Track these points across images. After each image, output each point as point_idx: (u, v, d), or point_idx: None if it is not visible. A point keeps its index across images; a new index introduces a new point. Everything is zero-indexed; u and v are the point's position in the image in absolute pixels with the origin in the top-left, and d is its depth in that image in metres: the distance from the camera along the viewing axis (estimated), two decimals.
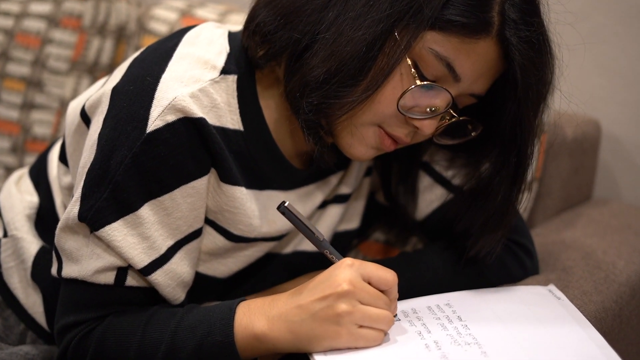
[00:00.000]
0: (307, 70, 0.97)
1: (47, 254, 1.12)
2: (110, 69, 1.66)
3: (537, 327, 1.00)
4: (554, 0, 1.39)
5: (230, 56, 1.04)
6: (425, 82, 0.97)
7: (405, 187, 1.19)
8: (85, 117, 1.07)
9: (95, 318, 1.01)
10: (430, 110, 0.99)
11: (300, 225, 0.96)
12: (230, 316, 0.96)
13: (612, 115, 1.56)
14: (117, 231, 0.98)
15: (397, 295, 0.95)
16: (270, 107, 1.07)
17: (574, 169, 1.44)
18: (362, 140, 1.02)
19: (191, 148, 0.99)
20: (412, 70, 0.97)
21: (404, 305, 1.04)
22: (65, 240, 1.01)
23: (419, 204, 1.20)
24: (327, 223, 1.20)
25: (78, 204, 0.99)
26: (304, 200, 1.14)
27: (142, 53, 1.05)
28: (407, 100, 0.98)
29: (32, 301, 1.16)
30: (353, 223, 1.24)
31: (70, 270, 1.01)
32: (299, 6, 0.98)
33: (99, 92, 1.05)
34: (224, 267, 1.12)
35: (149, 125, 0.96)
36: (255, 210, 1.07)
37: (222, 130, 1.02)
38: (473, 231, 1.08)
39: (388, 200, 1.23)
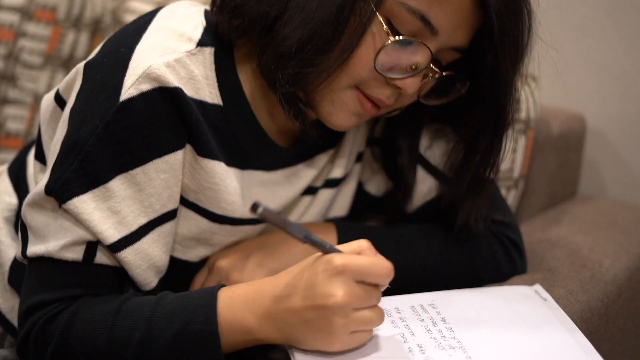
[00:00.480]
0: (279, 41, 0.95)
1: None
2: None
3: (523, 330, 0.98)
4: None
5: (206, 30, 1.02)
6: (399, 38, 0.95)
7: (403, 180, 1.17)
8: (60, 100, 1.04)
9: (63, 299, 0.96)
10: (411, 68, 0.97)
11: (280, 224, 0.89)
12: (212, 302, 0.92)
13: (597, 110, 1.55)
14: (85, 204, 0.94)
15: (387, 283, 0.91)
16: (249, 82, 1.05)
17: (560, 164, 1.44)
18: (342, 107, 1.00)
19: (166, 119, 0.96)
20: (385, 27, 0.94)
21: (387, 303, 1.01)
22: (32, 216, 0.98)
23: (413, 196, 1.18)
24: (318, 208, 1.17)
25: (47, 177, 0.96)
26: (291, 181, 1.12)
27: (115, 32, 1.03)
28: (385, 59, 0.96)
29: (10, 306, 1.12)
30: (342, 210, 1.22)
31: (36, 248, 0.97)
32: None
33: (72, 72, 1.03)
34: (213, 248, 1.08)
35: (122, 94, 0.94)
36: (237, 188, 1.04)
37: (201, 104, 1.00)
38: (458, 199, 1.07)
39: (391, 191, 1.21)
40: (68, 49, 1.65)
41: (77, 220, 0.95)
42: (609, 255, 1.24)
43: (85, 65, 0.99)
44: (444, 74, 1.00)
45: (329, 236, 1.10)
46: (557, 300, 1.05)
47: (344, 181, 1.19)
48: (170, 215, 1.01)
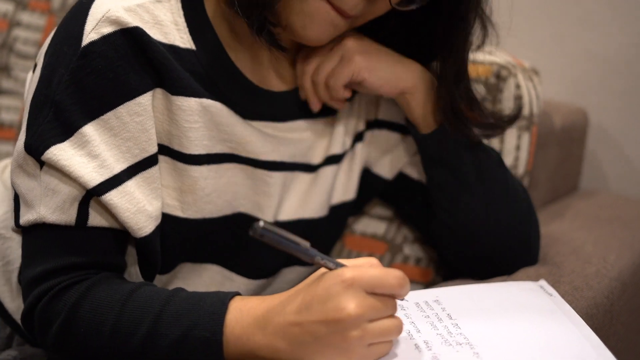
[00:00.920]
0: None
1: None
2: None
3: (529, 325, 0.97)
4: None
5: None
6: None
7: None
8: (35, 67, 1.04)
9: (64, 267, 0.95)
10: None
11: (283, 244, 0.84)
12: (221, 311, 0.89)
13: (599, 104, 1.55)
14: (62, 151, 0.94)
15: (409, 288, 0.88)
16: (222, 27, 1.04)
17: (562, 159, 1.43)
18: (314, 17, 0.99)
19: (132, 60, 0.96)
20: None
21: None
22: (18, 182, 0.98)
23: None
24: (322, 189, 1.16)
25: (24, 134, 0.96)
26: (284, 139, 1.10)
27: None
28: None
29: (17, 305, 1.10)
30: (349, 194, 1.20)
31: (28, 215, 0.96)
32: None
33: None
34: (210, 206, 1.06)
35: (83, 40, 0.94)
36: (224, 124, 1.03)
37: (172, 48, 0.99)
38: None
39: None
40: None
41: (58, 169, 0.94)
42: (613, 250, 1.23)
43: (55, 29, 1.01)
44: None
45: None
46: (562, 297, 1.04)
47: (344, 159, 1.18)
48: (152, 160, 1.00)
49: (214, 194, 1.05)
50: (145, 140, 0.98)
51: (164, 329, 0.89)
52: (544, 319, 0.98)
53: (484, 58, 1.26)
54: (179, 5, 1.01)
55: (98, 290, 0.93)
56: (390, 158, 1.22)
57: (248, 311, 0.88)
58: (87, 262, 0.96)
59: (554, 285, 1.08)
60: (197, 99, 1.00)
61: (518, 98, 1.26)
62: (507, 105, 1.24)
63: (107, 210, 0.96)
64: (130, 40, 0.95)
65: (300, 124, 1.12)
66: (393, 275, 0.85)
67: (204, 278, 1.10)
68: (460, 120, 1.08)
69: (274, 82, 1.10)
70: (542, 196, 1.40)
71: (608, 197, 1.49)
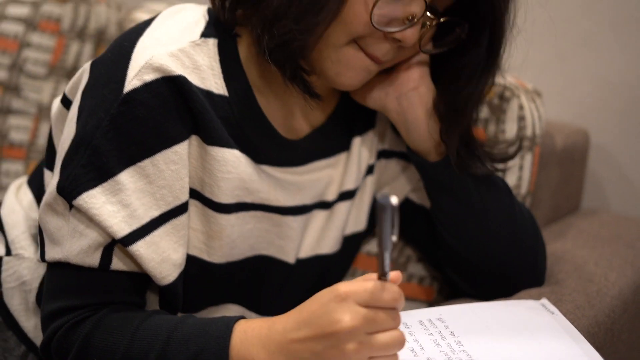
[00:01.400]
0: (264, 5, 0.96)
1: None
2: None
3: (532, 343, 0.98)
4: (545, 6, 1.38)
5: (209, 24, 1.03)
6: None
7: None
8: (66, 101, 1.05)
9: (82, 306, 0.97)
10: (408, 19, 0.97)
11: (385, 224, 0.79)
12: (226, 335, 0.91)
13: (600, 124, 1.55)
14: (95, 198, 0.94)
15: (404, 302, 0.87)
16: (254, 72, 1.05)
17: (563, 178, 1.44)
18: (347, 64, 1.00)
19: (172, 108, 0.96)
20: None
21: None
22: (47, 220, 0.98)
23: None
24: (337, 223, 1.17)
25: (58, 176, 0.96)
26: (300, 182, 1.12)
27: (122, 32, 1.05)
28: (380, 14, 0.96)
29: (33, 324, 1.12)
30: (360, 225, 1.22)
31: (53, 252, 0.97)
32: None
33: (78, 72, 1.04)
34: (234, 250, 1.07)
35: (125, 86, 0.94)
36: (253, 174, 1.04)
37: (208, 94, 1.00)
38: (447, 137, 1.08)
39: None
40: (72, 59, 1.65)
41: (88, 217, 0.95)
42: (615, 269, 1.24)
43: (92, 64, 1.00)
44: (441, 20, 1.01)
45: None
46: (564, 315, 1.05)
47: (357, 194, 1.19)
48: (183, 208, 1.00)
49: (238, 239, 1.07)
50: (179, 189, 0.99)
51: (172, 355, 0.91)
52: (546, 337, 0.99)
53: None
54: (216, 49, 1.02)
55: (110, 320, 0.95)
56: (396, 185, 1.23)
57: (252, 332, 0.90)
58: (105, 301, 0.98)
59: (555, 303, 1.09)
60: (230, 150, 1.01)
61: (521, 119, 1.27)
62: (510, 126, 1.25)
63: (131, 257, 0.97)
64: (172, 88, 0.95)
65: (318, 164, 1.14)
66: (386, 289, 0.85)
67: None
68: (466, 155, 1.10)
69: (300, 126, 1.11)
70: (544, 215, 1.40)
71: (609, 217, 1.49)
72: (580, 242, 1.33)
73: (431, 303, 1.27)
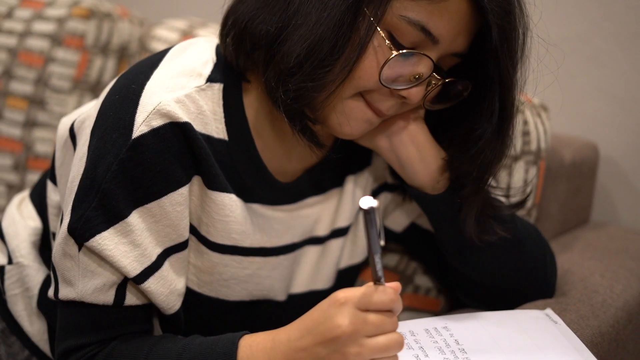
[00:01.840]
0: (279, 58, 0.97)
1: None
2: None
3: (534, 352, 1.00)
4: (556, 24, 1.40)
5: (216, 66, 1.05)
6: (402, 51, 0.96)
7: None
8: (73, 135, 1.07)
9: (96, 342, 1.00)
10: (415, 78, 0.98)
11: (373, 233, 0.83)
12: (232, 351, 0.94)
13: (610, 139, 1.57)
14: (107, 240, 0.97)
15: (401, 306, 0.90)
16: (256, 117, 1.07)
17: (572, 192, 1.45)
18: (351, 115, 1.01)
19: (177, 153, 0.98)
20: (387, 42, 0.96)
21: (402, 327, 1.03)
22: (60, 260, 1.01)
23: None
24: (330, 259, 1.19)
25: (68, 216, 0.98)
26: (291, 220, 1.13)
27: (129, 67, 1.06)
28: (389, 72, 0.97)
29: (37, 329, 1.16)
30: (356, 258, 1.23)
31: (67, 292, 1.00)
32: None
33: (89, 106, 1.05)
34: (226, 290, 1.10)
35: (134, 131, 0.96)
36: (247, 217, 1.07)
37: (208, 138, 1.02)
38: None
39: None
40: (95, 74, 1.68)
41: (101, 257, 0.97)
42: (620, 281, 1.25)
43: (102, 103, 1.01)
44: (446, 80, 1.02)
45: None
46: (568, 325, 1.07)
47: (350, 230, 1.20)
48: (185, 245, 1.04)
49: (232, 280, 1.09)
50: (182, 227, 1.02)
51: None
52: (547, 346, 1.01)
53: None
54: (221, 94, 1.04)
55: (121, 350, 0.99)
56: (400, 213, 1.24)
57: (257, 347, 0.93)
58: (118, 334, 1.01)
59: (560, 313, 1.10)
60: (228, 195, 1.03)
61: (526, 134, 1.29)
62: (514, 140, 1.27)
63: (143, 292, 1.01)
64: (178, 133, 0.97)
65: (309, 200, 1.16)
66: (384, 292, 0.87)
67: None
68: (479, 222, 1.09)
69: (294, 168, 1.13)
70: (553, 228, 1.42)
71: (618, 230, 1.50)
72: (588, 255, 1.34)
73: (437, 314, 1.29)
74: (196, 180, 1.02)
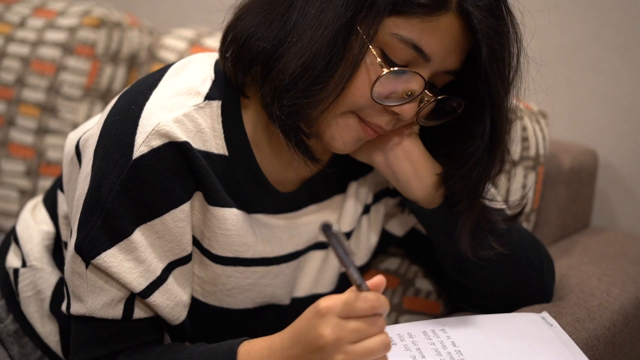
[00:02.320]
0: (275, 74, 0.98)
1: None
2: None
3: (529, 354, 1.02)
4: (554, 33, 1.42)
5: (214, 83, 1.06)
6: (394, 68, 0.98)
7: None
8: (78, 152, 1.10)
9: (107, 355, 1.04)
10: (407, 94, 1.00)
11: (339, 250, 0.87)
12: (232, 358, 0.97)
13: (609, 145, 1.58)
14: (112, 257, 1.00)
15: (386, 307, 0.89)
16: (255, 131, 1.08)
17: (571, 197, 1.46)
18: (343, 132, 1.02)
19: (177, 172, 1.00)
20: (379, 59, 0.97)
21: (400, 329, 1.06)
22: (70, 277, 1.04)
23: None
24: (333, 262, 1.21)
25: (75, 235, 1.01)
26: (292, 228, 1.15)
27: (130, 86, 1.08)
28: (381, 89, 0.99)
29: (48, 330, 1.19)
30: (359, 261, 1.24)
31: (77, 307, 1.03)
32: (264, 16, 1.00)
33: (93, 122, 1.08)
34: (230, 299, 1.13)
35: (134, 152, 0.98)
36: (248, 229, 1.09)
37: (207, 155, 1.04)
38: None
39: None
40: (106, 82, 1.70)
41: (107, 274, 1.01)
42: (617, 285, 1.26)
43: (104, 122, 1.03)
44: (438, 97, 1.03)
45: None
46: (564, 327, 1.08)
47: (353, 234, 1.22)
48: (188, 258, 1.07)
49: (235, 290, 1.12)
50: (185, 242, 1.05)
51: None
52: (542, 348, 1.03)
53: None
54: (219, 111, 1.05)
55: None
56: (401, 218, 1.26)
57: (255, 353, 0.96)
58: (128, 345, 1.05)
59: (556, 316, 1.12)
60: (229, 209, 1.06)
61: (524, 140, 1.31)
62: (513, 147, 1.29)
63: (150, 306, 1.04)
64: (177, 153, 1.00)
65: (312, 207, 1.18)
66: (364, 298, 0.88)
67: None
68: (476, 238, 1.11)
69: (294, 179, 1.15)
70: (552, 233, 1.43)
71: (617, 235, 1.51)
72: (586, 259, 1.36)
73: (438, 317, 1.30)
74: (197, 196, 1.04)
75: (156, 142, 0.99)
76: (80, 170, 1.05)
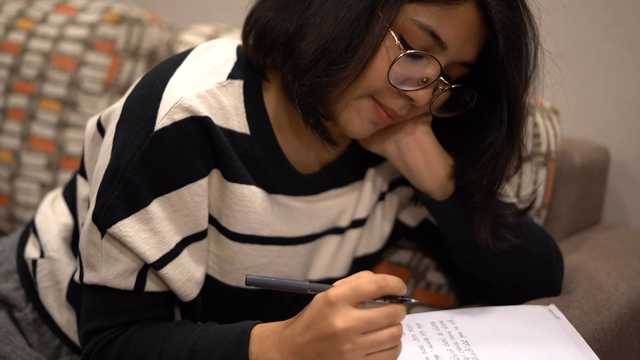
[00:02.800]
0: (297, 54, 1.01)
1: None
2: None
3: (534, 345, 1.04)
4: (566, 30, 1.43)
5: (237, 64, 1.10)
6: (411, 51, 1.00)
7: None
8: (101, 127, 1.12)
9: (118, 325, 1.05)
10: (422, 81, 1.02)
11: (274, 285, 0.96)
12: (245, 340, 0.99)
13: (620, 142, 1.59)
14: (128, 227, 1.01)
15: (395, 286, 0.91)
16: (275, 112, 1.11)
17: (582, 194, 1.47)
18: (359, 115, 1.05)
19: (197, 146, 1.02)
20: (397, 42, 1.00)
21: (410, 320, 1.08)
22: (85, 246, 1.05)
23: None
24: (348, 248, 1.22)
25: (94, 205, 1.03)
26: (311, 211, 1.17)
27: (154, 67, 1.11)
28: (398, 72, 1.01)
29: (66, 319, 1.22)
30: (373, 247, 1.26)
31: (91, 277, 1.05)
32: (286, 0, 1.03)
33: (114, 105, 1.10)
34: (243, 277, 1.13)
35: (156, 124, 1.00)
36: (267, 208, 1.11)
37: (229, 133, 1.06)
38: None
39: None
40: (125, 77, 1.72)
41: (122, 244, 1.02)
42: (626, 279, 1.27)
43: (126, 99, 1.06)
44: (453, 86, 1.05)
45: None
46: (570, 320, 1.09)
47: (368, 221, 1.24)
48: (204, 234, 1.08)
49: (252, 269, 1.14)
50: (201, 217, 1.06)
51: None
52: (548, 339, 1.05)
53: None
54: (241, 90, 1.08)
55: (140, 334, 1.04)
56: (414, 208, 1.27)
57: (267, 337, 0.98)
58: (138, 318, 1.07)
59: (563, 309, 1.13)
60: (248, 186, 1.08)
61: (536, 136, 1.32)
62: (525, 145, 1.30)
63: (162, 279, 1.06)
64: (199, 127, 1.02)
65: (332, 192, 1.20)
66: (367, 281, 0.91)
67: None
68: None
69: (314, 163, 1.17)
70: (562, 229, 1.44)
71: (628, 231, 1.52)
72: (595, 255, 1.36)
73: (449, 309, 1.32)
74: (215, 174, 1.06)
75: (179, 116, 1.01)
76: (103, 143, 1.07)
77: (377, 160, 1.23)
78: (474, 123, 1.10)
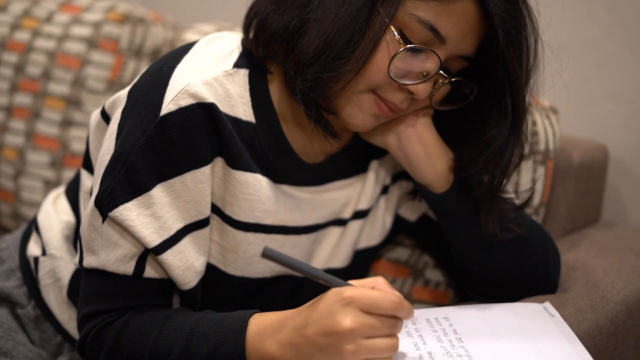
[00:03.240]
0: (299, 50, 1.03)
1: None
2: None
3: (528, 343, 1.04)
4: (567, 29, 1.43)
5: (242, 54, 1.11)
6: (410, 46, 1.02)
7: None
8: (105, 115, 1.13)
9: (115, 309, 1.05)
10: (422, 74, 1.04)
11: (292, 265, 0.94)
12: (242, 328, 0.99)
13: (619, 140, 1.59)
14: (130, 211, 1.02)
15: (406, 313, 0.93)
16: (280, 101, 1.12)
17: (581, 192, 1.47)
18: (360, 108, 1.06)
19: (202, 132, 1.03)
20: (397, 36, 1.01)
21: None
22: (86, 230, 1.06)
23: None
24: (350, 239, 1.23)
25: (97, 189, 1.03)
26: (316, 202, 1.18)
27: (161, 56, 1.12)
28: (398, 66, 1.03)
29: (67, 316, 1.22)
30: (373, 240, 1.27)
31: (90, 260, 1.05)
32: None
33: (119, 92, 1.11)
34: (251, 267, 1.14)
35: (162, 109, 1.01)
36: (271, 196, 1.11)
37: (235, 120, 1.07)
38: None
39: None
40: (129, 76, 1.72)
41: (123, 228, 1.03)
42: (622, 277, 1.27)
43: (132, 85, 1.07)
44: (452, 79, 1.07)
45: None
46: (565, 318, 1.10)
47: (370, 213, 1.24)
48: (205, 222, 1.08)
49: (255, 257, 1.14)
50: (203, 205, 1.07)
51: (195, 348, 1.00)
52: (542, 337, 1.05)
53: None
54: (247, 79, 1.09)
55: (138, 319, 1.05)
56: (414, 202, 1.28)
57: (265, 326, 0.99)
58: (136, 304, 1.07)
59: (558, 307, 1.14)
60: (252, 174, 1.09)
61: (534, 134, 1.33)
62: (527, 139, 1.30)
63: (161, 265, 1.06)
64: (204, 114, 1.03)
65: (336, 184, 1.21)
66: (389, 299, 0.92)
67: None
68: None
69: (319, 153, 1.18)
70: (561, 227, 1.44)
71: (626, 229, 1.52)
72: (593, 252, 1.36)
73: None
74: (219, 162, 1.07)
75: (184, 102, 1.02)
76: (108, 129, 1.08)
77: (380, 153, 1.23)
78: (474, 116, 1.11)
